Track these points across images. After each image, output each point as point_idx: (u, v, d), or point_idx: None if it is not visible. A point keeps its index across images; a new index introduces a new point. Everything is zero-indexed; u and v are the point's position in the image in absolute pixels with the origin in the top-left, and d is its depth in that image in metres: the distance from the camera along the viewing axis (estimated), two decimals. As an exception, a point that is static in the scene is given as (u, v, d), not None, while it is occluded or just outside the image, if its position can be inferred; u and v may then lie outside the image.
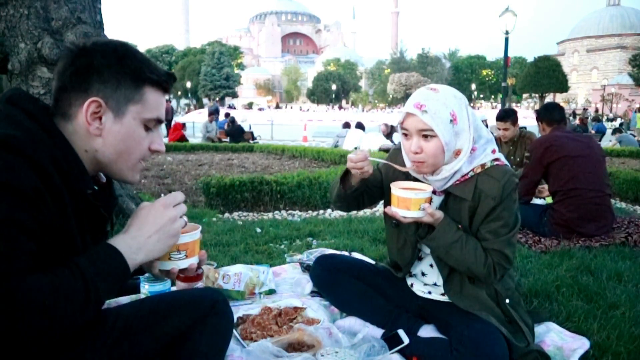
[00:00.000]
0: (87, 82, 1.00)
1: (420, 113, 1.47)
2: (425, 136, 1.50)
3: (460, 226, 1.57)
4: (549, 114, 3.62)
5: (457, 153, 1.54)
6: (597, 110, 39.16)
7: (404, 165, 1.65)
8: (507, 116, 4.60)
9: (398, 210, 1.51)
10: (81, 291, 0.86)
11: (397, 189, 1.52)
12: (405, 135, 1.56)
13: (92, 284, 0.87)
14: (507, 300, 1.63)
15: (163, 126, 18.56)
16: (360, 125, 10.91)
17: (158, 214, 1.03)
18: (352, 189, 1.70)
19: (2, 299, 0.76)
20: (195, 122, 17.20)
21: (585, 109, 38.14)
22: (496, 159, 1.58)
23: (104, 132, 1.02)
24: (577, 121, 18.33)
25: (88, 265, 0.89)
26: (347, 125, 11.81)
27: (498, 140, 4.70)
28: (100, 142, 1.03)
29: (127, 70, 1.02)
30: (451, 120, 1.49)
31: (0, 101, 0.98)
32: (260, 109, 55.05)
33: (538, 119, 3.74)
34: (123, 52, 1.04)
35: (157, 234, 1.02)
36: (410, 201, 1.49)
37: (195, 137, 15.41)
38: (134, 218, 1.03)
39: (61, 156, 0.95)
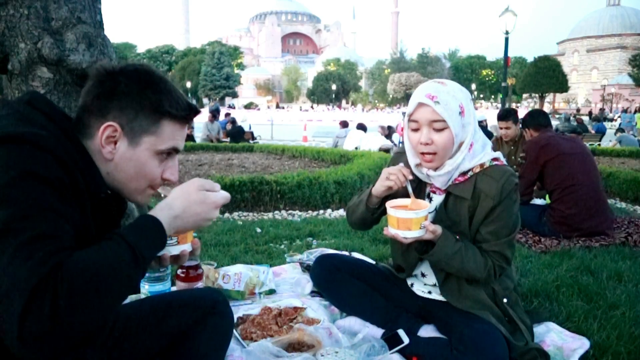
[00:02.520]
0: (106, 107, 1.01)
1: (433, 104, 1.47)
2: (436, 128, 1.50)
3: (458, 237, 1.56)
4: (535, 120, 3.73)
5: (460, 145, 1.54)
6: (603, 110, 39.21)
7: (408, 166, 1.65)
8: (509, 115, 4.62)
9: (399, 232, 1.47)
10: (129, 257, 0.87)
11: (396, 210, 1.47)
12: (414, 129, 1.55)
13: (138, 251, 0.88)
14: (505, 300, 1.64)
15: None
16: (361, 127, 10.79)
17: (208, 209, 1.03)
18: (375, 207, 1.68)
19: (56, 274, 0.76)
20: (195, 121, 17.16)
21: (602, 110, 38.37)
22: (495, 159, 1.58)
23: (116, 156, 1.03)
24: (576, 121, 18.32)
25: (131, 234, 0.91)
26: (345, 124, 11.76)
27: (499, 140, 4.72)
28: (112, 165, 1.04)
29: (147, 101, 1.02)
30: (460, 113, 1.50)
31: (20, 103, 0.99)
32: (258, 109, 54.93)
33: (524, 126, 3.84)
34: (147, 82, 1.04)
35: (195, 222, 1.02)
36: (412, 221, 1.45)
37: (195, 136, 15.37)
38: (186, 195, 1.02)
39: (79, 158, 0.97)
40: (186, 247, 1.11)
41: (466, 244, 1.55)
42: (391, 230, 1.49)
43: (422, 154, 1.54)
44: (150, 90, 1.03)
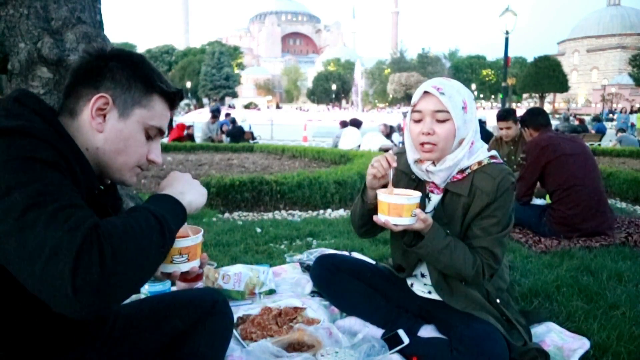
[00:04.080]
0: (99, 80, 1.02)
1: (439, 94, 1.49)
2: (439, 119, 1.51)
3: (448, 231, 1.55)
4: (534, 119, 3.69)
5: (460, 142, 1.55)
6: (611, 111, 39.17)
7: (408, 167, 1.65)
8: (509, 115, 4.61)
9: (389, 219, 1.44)
10: (156, 225, 0.89)
11: (387, 195, 1.44)
12: (417, 120, 1.56)
13: (164, 219, 0.91)
14: (498, 301, 1.64)
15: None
16: (356, 123, 10.59)
17: (188, 177, 1.09)
18: (373, 202, 1.63)
19: (96, 233, 0.78)
20: (196, 122, 17.14)
21: (612, 111, 38.51)
22: (493, 157, 1.59)
23: (105, 128, 1.03)
24: (576, 121, 18.33)
25: (152, 206, 0.93)
26: (344, 124, 11.73)
27: (499, 140, 4.71)
28: (101, 138, 1.03)
29: (140, 76, 1.04)
30: (463, 108, 1.51)
31: (8, 101, 0.99)
32: (258, 109, 54.87)
33: (523, 125, 3.80)
34: (139, 60, 1.07)
35: (191, 191, 1.06)
36: (403, 207, 1.42)
37: (195, 136, 15.40)
38: (166, 180, 1.07)
39: (70, 154, 0.96)
40: (195, 264, 1.12)
41: (456, 240, 1.54)
42: (381, 217, 1.47)
43: (422, 144, 1.54)
44: (143, 67, 1.06)
